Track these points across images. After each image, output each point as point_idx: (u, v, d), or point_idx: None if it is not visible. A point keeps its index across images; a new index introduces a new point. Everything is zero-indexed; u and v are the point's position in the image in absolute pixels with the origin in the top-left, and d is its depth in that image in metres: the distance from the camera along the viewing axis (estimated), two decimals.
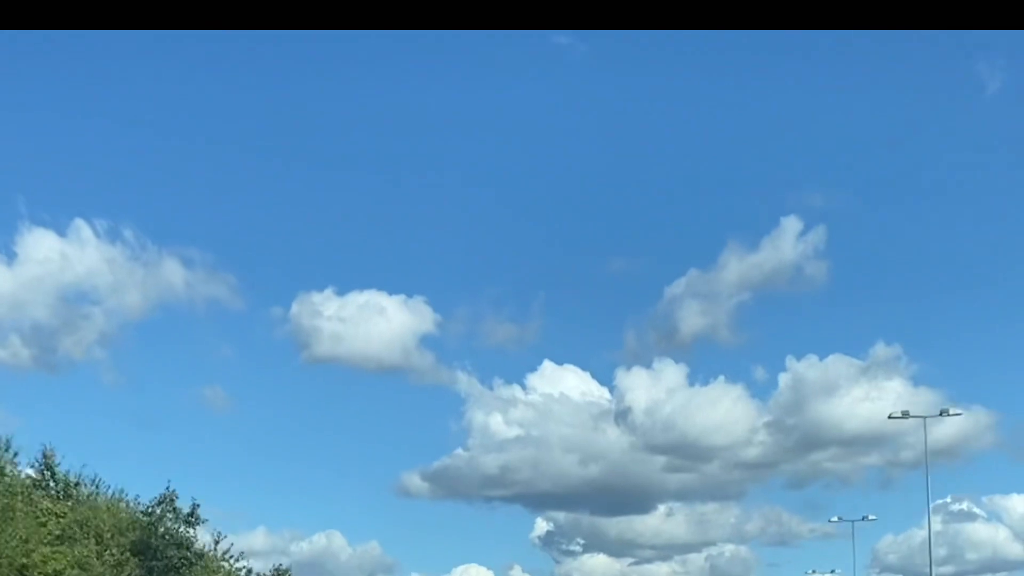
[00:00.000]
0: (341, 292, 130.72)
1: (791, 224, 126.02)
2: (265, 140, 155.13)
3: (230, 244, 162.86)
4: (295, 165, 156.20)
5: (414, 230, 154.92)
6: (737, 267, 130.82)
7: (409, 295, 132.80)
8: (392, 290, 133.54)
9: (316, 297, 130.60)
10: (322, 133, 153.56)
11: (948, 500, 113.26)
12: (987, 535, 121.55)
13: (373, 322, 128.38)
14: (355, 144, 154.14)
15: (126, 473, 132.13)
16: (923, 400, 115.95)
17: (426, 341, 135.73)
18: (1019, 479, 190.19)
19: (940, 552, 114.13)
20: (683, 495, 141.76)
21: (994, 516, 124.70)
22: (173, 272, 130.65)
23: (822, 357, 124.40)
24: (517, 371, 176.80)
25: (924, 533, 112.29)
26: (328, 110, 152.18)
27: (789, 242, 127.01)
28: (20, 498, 53.05)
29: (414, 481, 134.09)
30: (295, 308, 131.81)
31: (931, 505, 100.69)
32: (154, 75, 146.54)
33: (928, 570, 79.63)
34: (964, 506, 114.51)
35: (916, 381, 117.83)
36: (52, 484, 60.68)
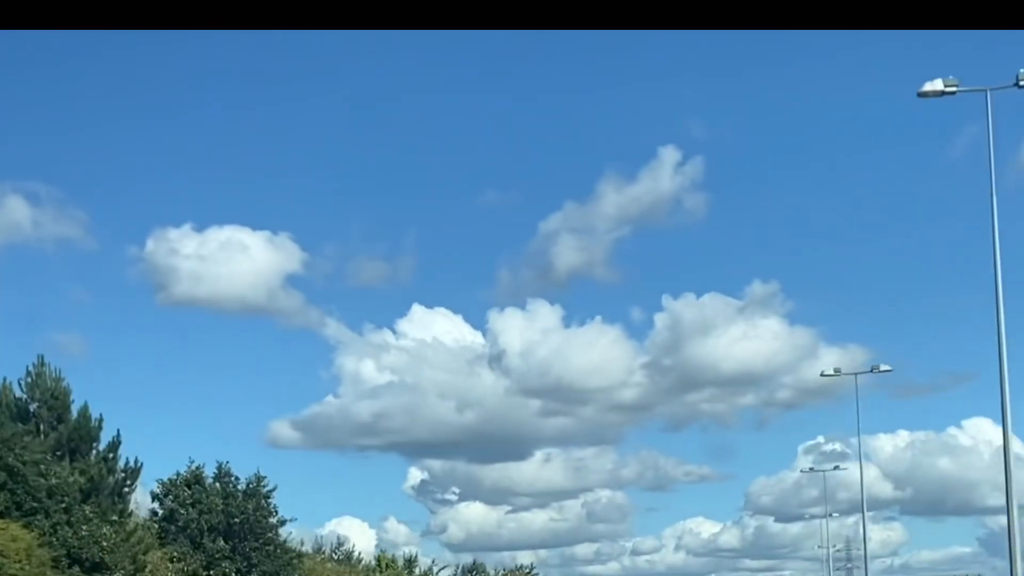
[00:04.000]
0: (200, 228, 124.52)
1: (669, 154, 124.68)
2: (114, 65, 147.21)
3: (79, 178, 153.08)
4: (147, 91, 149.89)
5: (278, 161, 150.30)
6: (615, 199, 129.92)
7: (274, 231, 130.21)
8: (255, 225, 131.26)
9: (173, 233, 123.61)
10: (177, 57, 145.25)
11: (820, 440, 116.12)
12: (858, 475, 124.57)
13: (235, 260, 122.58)
14: (213, 68, 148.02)
15: None
16: (799, 339, 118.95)
17: (292, 281, 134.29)
18: (891, 418, 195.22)
19: (812, 493, 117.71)
20: (560, 440, 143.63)
21: (864, 456, 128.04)
22: (17, 209, 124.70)
23: (699, 295, 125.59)
24: (387, 315, 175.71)
25: (795, 475, 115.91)
26: (187, 37, 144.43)
27: (667, 173, 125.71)
28: None
29: (284, 430, 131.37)
30: (150, 246, 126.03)
31: (803, 446, 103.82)
32: None
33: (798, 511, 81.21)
34: (836, 447, 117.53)
35: (792, 319, 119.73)
36: None
